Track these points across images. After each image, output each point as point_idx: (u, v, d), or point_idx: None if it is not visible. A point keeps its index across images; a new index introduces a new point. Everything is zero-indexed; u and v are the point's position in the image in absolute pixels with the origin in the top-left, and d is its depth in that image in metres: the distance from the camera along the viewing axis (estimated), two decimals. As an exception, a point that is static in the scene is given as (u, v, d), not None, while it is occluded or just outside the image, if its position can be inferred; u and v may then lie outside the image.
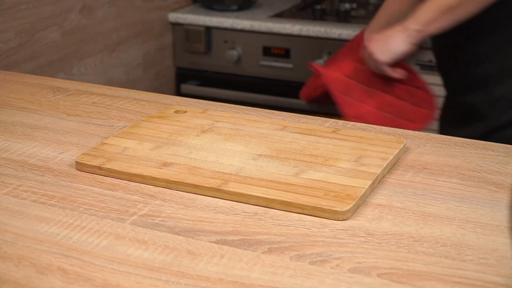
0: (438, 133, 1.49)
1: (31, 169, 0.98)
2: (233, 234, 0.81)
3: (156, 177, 0.93)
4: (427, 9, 1.49)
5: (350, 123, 1.14)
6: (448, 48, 1.58)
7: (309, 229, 0.82)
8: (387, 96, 1.59)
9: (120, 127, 1.13)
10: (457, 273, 0.73)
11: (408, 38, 1.51)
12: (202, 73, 2.46)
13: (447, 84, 1.63)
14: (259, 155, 0.99)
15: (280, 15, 2.38)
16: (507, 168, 0.97)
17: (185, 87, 2.45)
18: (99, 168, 0.96)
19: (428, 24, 1.49)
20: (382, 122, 1.53)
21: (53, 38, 1.97)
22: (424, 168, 0.98)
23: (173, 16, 2.43)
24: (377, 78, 1.59)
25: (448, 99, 1.64)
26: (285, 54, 2.29)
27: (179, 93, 2.51)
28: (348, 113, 1.56)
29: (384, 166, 0.95)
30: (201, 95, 2.34)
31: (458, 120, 1.58)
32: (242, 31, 2.33)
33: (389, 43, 1.53)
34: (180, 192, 0.91)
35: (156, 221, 0.84)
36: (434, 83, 1.74)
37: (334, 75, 1.62)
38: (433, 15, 1.48)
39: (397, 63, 1.56)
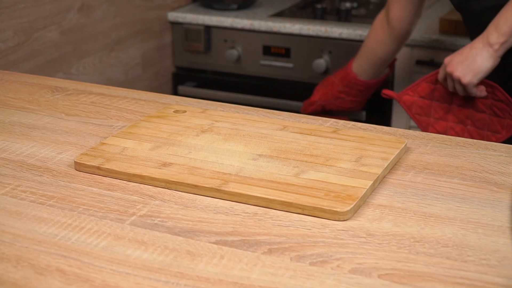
0: None
1: (30, 169, 0.98)
2: (233, 235, 0.81)
3: (155, 177, 0.93)
4: (507, 16, 1.44)
5: (351, 123, 1.14)
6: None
7: (309, 229, 0.82)
8: (467, 110, 1.58)
9: (119, 127, 1.13)
10: (459, 274, 0.73)
11: (494, 53, 1.46)
12: (201, 73, 2.46)
13: None
14: (259, 155, 0.99)
15: (280, 14, 2.38)
16: (509, 168, 0.97)
17: (182, 89, 2.45)
18: (98, 168, 0.96)
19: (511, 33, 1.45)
20: (464, 135, 1.55)
21: (52, 37, 1.97)
22: (425, 168, 0.98)
23: (173, 15, 2.43)
24: (455, 94, 1.58)
25: None
26: (285, 53, 2.29)
27: (178, 92, 2.51)
28: (428, 132, 1.55)
29: (385, 166, 0.95)
30: (199, 97, 2.35)
31: None
32: (242, 30, 2.33)
33: (476, 64, 1.48)
34: (180, 193, 0.91)
35: (155, 222, 0.84)
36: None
37: (410, 99, 1.64)
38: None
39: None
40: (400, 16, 1.76)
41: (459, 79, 1.50)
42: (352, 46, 2.14)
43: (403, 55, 2.12)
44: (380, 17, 1.83)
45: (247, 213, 0.86)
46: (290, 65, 2.29)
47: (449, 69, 1.51)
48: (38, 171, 0.97)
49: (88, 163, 0.97)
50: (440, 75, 1.56)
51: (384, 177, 0.95)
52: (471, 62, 1.48)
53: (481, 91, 1.53)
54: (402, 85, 2.14)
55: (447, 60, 1.53)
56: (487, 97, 1.55)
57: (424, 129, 1.62)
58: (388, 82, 2.16)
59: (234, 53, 2.35)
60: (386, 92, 1.69)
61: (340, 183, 0.90)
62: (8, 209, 0.87)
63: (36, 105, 1.22)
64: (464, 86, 1.51)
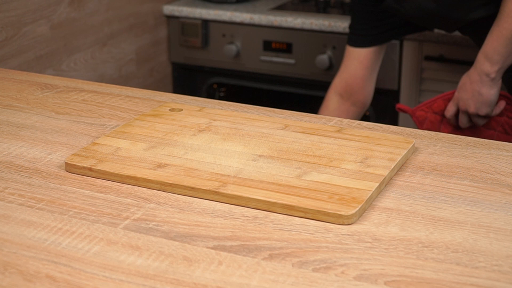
0: None
1: (18, 170, 0.98)
2: (232, 240, 0.81)
3: (150, 179, 0.93)
4: (495, 45, 1.51)
5: (356, 122, 1.14)
6: None
7: (312, 234, 0.82)
8: (477, 127, 1.65)
9: (112, 126, 1.13)
10: (469, 281, 0.73)
11: (495, 81, 1.55)
12: (198, 69, 2.46)
13: None
14: (259, 155, 0.99)
15: (282, 8, 2.38)
16: (522, 169, 0.98)
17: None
18: (90, 169, 0.96)
19: (503, 60, 1.53)
20: None
21: (41, 31, 1.97)
22: (434, 170, 0.98)
23: (168, 9, 2.43)
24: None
25: None
26: (286, 48, 2.29)
27: (174, 89, 2.51)
28: None
29: (392, 168, 0.95)
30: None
31: None
32: (241, 24, 2.33)
33: (483, 96, 1.56)
34: (176, 195, 0.91)
35: (150, 226, 0.84)
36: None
37: (424, 115, 1.69)
38: (505, 50, 1.51)
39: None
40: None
41: (477, 113, 1.58)
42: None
43: (411, 51, 2.12)
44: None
45: (246, 216, 0.86)
46: (291, 61, 2.30)
47: (463, 107, 1.59)
48: (27, 173, 0.97)
49: (79, 164, 0.97)
50: (450, 112, 1.63)
51: (391, 178, 0.95)
52: (478, 96, 1.56)
53: (499, 107, 1.61)
54: (409, 82, 2.14)
55: (455, 99, 1.61)
56: (502, 114, 1.62)
57: None
58: (395, 78, 2.17)
59: (233, 48, 2.35)
60: (401, 106, 1.73)
61: (345, 185, 0.90)
62: (-5, 213, 0.87)
63: (25, 103, 1.22)
64: (484, 117, 1.59)
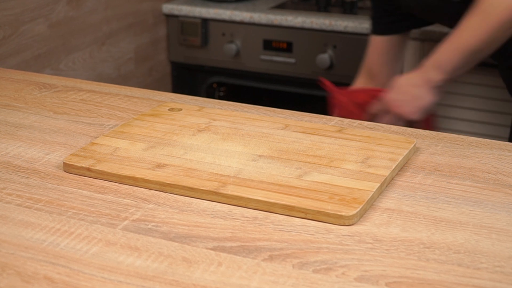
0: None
1: (16, 170, 0.98)
2: (232, 240, 0.81)
3: (149, 179, 0.93)
4: (449, 55, 1.52)
5: (357, 122, 1.14)
6: None
7: (312, 235, 0.82)
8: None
9: (110, 126, 1.13)
10: (471, 282, 0.73)
11: (437, 90, 1.54)
12: (198, 68, 2.46)
13: None
14: (259, 155, 0.99)
15: (282, 6, 2.38)
16: (525, 169, 0.98)
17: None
18: (88, 169, 0.96)
19: (454, 71, 1.52)
20: None
21: (39, 30, 1.97)
22: (436, 170, 0.98)
23: (168, 7, 2.43)
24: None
25: None
26: (287, 48, 2.29)
27: (173, 89, 2.51)
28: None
29: (393, 168, 0.95)
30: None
31: None
32: (241, 23, 2.33)
33: (422, 101, 1.55)
34: (175, 196, 0.91)
35: (149, 227, 0.84)
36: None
37: (345, 101, 1.69)
38: (457, 62, 1.51)
39: None
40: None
41: (406, 116, 1.57)
42: (358, 40, 2.14)
43: (413, 50, 2.12)
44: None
45: (246, 217, 0.86)
46: (292, 60, 2.30)
47: (395, 108, 1.57)
48: (25, 173, 0.97)
49: (77, 164, 0.97)
50: (376, 110, 1.63)
51: (392, 179, 0.95)
52: (417, 100, 1.56)
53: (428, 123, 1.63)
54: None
55: (387, 98, 1.59)
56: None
57: None
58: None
59: (232, 47, 2.35)
60: (325, 82, 1.73)
61: (346, 186, 0.90)
62: (-7, 213, 0.87)
63: (23, 103, 1.22)
64: (411, 122, 1.58)
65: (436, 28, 2.08)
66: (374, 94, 1.66)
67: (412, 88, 1.57)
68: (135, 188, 0.93)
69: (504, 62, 1.58)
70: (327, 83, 1.72)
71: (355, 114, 1.65)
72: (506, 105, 2.01)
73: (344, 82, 2.25)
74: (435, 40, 2.08)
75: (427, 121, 1.63)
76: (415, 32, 2.09)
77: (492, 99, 2.08)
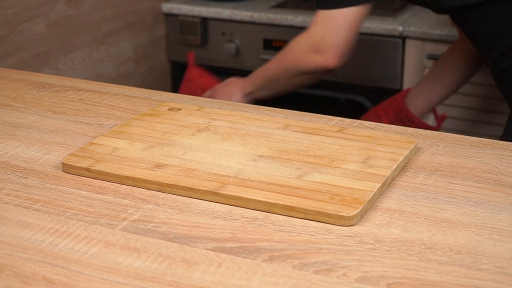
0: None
1: (14, 171, 0.98)
2: (231, 241, 0.81)
3: (148, 180, 0.93)
4: (259, 74, 1.81)
5: (357, 122, 1.14)
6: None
7: (313, 235, 0.82)
8: None
9: (109, 126, 1.13)
10: (473, 283, 0.73)
11: (244, 98, 1.81)
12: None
13: None
14: (259, 156, 0.99)
15: (282, 5, 2.38)
16: (526, 170, 0.98)
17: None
18: (87, 170, 0.96)
19: (258, 90, 1.80)
20: None
21: (38, 30, 1.97)
22: (437, 170, 0.98)
23: (167, 6, 2.43)
24: None
25: None
26: (287, 47, 2.29)
27: (173, 89, 2.51)
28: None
29: (394, 168, 0.95)
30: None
31: None
32: (241, 22, 2.33)
33: (230, 98, 1.81)
34: (174, 196, 0.91)
35: (148, 227, 0.84)
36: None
37: (194, 77, 1.98)
38: (260, 83, 1.79)
39: None
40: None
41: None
42: (359, 40, 2.13)
43: (413, 49, 2.12)
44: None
45: (246, 218, 0.86)
46: (292, 59, 2.29)
47: (214, 95, 1.85)
48: (23, 173, 0.97)
49: (76, 165, 0.97)
50: (206, 95, 1.88)
51: (393, 179, 0.95)
52: (228, 97, 1.81)
53: None
54: (412, 81, 2.14)
55: (215, 88, 1.88)
56: None
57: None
58: (397, 77, 2.17)
59: (232, 47, 2.35)
60: (190, 54, 2.01)
61: (346, 186, 0.90)
62: (-9, 214, 0.87)
63: (21, 103, 1.22)
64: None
65: (437, 27, 2.08)
66: (216, 84, 1.92)
67: (231, 86, 1.83)
68: (134, 189, 0.93)
69: (494, 64, 1.58)
70: (191, 57, 1.96)
71: (193, 93, 1.90)
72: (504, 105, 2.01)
73: (344, 82, 2.26)
74: (436, 40, 2.08)
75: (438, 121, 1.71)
76: (415, 32, 2.09)
77: (493, 99, 2.08)
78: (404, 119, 1.91)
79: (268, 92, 1.81)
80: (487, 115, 2.13)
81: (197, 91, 1.92)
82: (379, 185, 0.91)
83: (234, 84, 1.85)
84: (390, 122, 1.90)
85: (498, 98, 1.92)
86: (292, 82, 1.77)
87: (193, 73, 1.97)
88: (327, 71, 1.68)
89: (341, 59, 1.65)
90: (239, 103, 1.22)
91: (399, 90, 2.17)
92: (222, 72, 2.43)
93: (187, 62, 1.99)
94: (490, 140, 1.07)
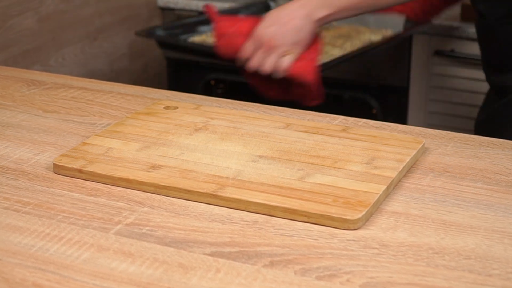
0: None
1: (3, 172, 0.98)
2: (230, 246, 0.81)
3: (143, 181, 0.93)
4: None
5: (362, 121, 1.14)
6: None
7: (315, 239, 0.82)
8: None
9: (103, 125, 1.13)
10: (483, 289, 0.73)
11: (313, 26, 1.49)
12: (195, 64, 2.46)
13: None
14: (260, 156, 0.99)
15: (283, -1, 2.38)
16: (539, 171, 0.98)
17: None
18: (80, 171, 0.96)
19: (341, 10, 1.49)
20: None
21: (28, 25, 1.97)
22: (445, 171, 0.98)
23: (163, 0, 2.43)
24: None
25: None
26: (288, 42, 2.29)
27: (169, 86, 2.51)
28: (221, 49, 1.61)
29: (400, 169, 0.95)
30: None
31: None
32: (240, 17, 2.33)
33: (298, 34, 1.50)
34: (171, 198, 0.91)
35: (143, 231, 0.84)
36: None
37: (227, 29, 1.61)
38: (347, 2, 1.48)
39: None
40: None
41: (280, 50, 1.51)
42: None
43: (420, 45, 2.12)
44: None
45: (246, 221, 0.86)
46: (294, 56, 2.29)
47: (268, 41, 1.51)
48: (13, 174, 0.97)
49: (68, 166, 0.97)
50: (249, 49, 1.56)
51: (400, 181, 0.95)
52: (296, 33, 1.49)
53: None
54: (419, 78, 2.14)
55: (260, 31, 1.52)
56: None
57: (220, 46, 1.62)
58: (405, 74, 2.17)
59: (231, 42, 2.34)
60: (209, 8, 1.65)
61: (350, 188, 0.90)
62: (-21, 217, 0.87)
63: (11, 101, 1.22)
64: (272, 49, 1.52)
65: (445, 22, 2.08)
66: (257, 22, 1.57)
67: (291, 20, 1.49)
68: (128, 191, 0.93)
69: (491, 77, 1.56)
70: (210, 11, 1.65)
71: (239, 44, 1.58)
72: None
73: (348, 78, 2.26)
74: (444, 35, 2.08)
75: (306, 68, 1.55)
76: (423, 26, 2.09)
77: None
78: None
79: (358, 11, 1.52)
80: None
81: (239, 42, 1.59)
82: (385, 187, 0.91)
83: (289, 16, 1.50)
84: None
85: None
86: None
87: (222, 26, 1.64)
88: None
89: None
90: (239, 102, 1.21)
91: (406, 87, 2.17)
92: (220, 69, 2.43)
93: (208, 17, 1.68)
94: (501, 140, 1.07)
